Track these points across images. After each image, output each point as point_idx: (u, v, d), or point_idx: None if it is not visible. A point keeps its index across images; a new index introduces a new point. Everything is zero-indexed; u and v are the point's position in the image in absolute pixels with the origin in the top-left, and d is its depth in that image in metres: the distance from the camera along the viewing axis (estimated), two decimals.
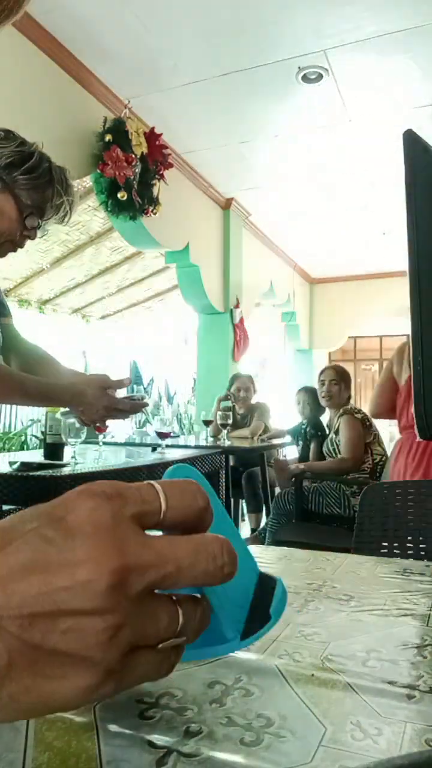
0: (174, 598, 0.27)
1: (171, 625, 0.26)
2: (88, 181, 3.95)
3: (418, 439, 2.74)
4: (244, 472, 4.24)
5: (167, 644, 0.27)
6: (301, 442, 4.14)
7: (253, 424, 4.43)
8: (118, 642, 0.24)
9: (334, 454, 3.21)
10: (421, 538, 1.31)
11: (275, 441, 4.30)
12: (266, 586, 0.36)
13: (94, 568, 0.23)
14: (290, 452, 4.83)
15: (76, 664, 0.23)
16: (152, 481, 0.28)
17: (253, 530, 4.27)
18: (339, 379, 3.32)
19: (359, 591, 0.74)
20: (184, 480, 0.29)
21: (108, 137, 3.21)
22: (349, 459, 3.04)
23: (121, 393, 1.33)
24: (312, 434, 4.03)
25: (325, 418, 4.22)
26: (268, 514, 3.91)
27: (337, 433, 3.20)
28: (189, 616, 0.27)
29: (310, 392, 4.17)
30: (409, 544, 1.32)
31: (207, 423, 4.13)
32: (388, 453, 2.96)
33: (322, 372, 3.45)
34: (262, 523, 4.24)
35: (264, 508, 4.23)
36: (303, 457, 4.00)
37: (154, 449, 3.03)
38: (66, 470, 2.01)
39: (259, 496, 4.21)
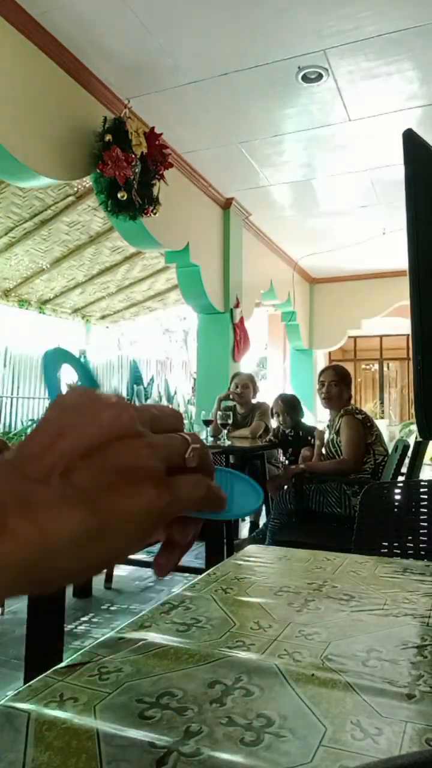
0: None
1: (183, 443, 0.32)
2: (88, 181, 3.95)
3: (418, 438, 2.74)
4: (246, 468, 4.24)
5: (190, 455, 0.32)
6: (290, 449, 4.16)
7: (253, 424, 4.43)
8: (157, 453, 0.29)
9: (335, 455, 3.20)
10: (421, 538, 1.31)
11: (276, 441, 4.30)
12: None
13: (114, 410, 0.29)
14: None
15: (139, 478, 0.28)
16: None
17: (252, 524, 4.27)
18: (339, 379, 3.31)
19: (359, 591, 0.74)
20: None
21: (108, 137, 3.21)
22: (349, 460, 3.04)
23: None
24: (302, 439, 4.06)
25: (324, 418, 4.22)
26: (268, 513, 3.91)
27: (338, 433, 3.19)
28: (195, 440, 0.33)
29: (286, 400, 4.17)
30: (409, 544, 1.32)
31: (207, 423, 4.13)
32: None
33: (322, 372, 3.43)
34: (262, 517, 4.24)
35: (264, 507, 4.23)
36: (292, 463, 4.00)
37: None
38: None
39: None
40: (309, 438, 4.04)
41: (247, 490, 0.40)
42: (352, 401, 3.41)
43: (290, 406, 4.10)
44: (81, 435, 0.28)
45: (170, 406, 0.36)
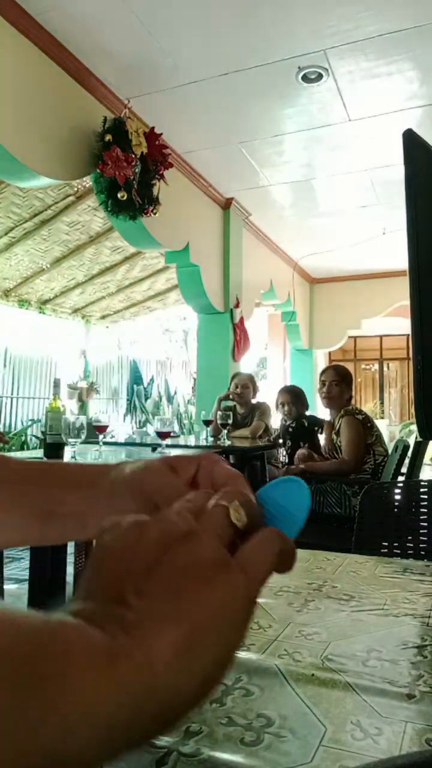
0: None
1: (222, 510, 0.30)
2: (88, 181, 3.95)
3: (418, 438, 2.74)
4: (245, 468, 4.23)
5: (236, 518, 0.30)
6: (289, 443, 4.06)
7: (253, 424, 4.43)
8: (207, 539, 0.28)
9: (335, 455, 3.20)
10: (421, 538, 1.31)
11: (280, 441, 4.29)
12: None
13: (157, 524, 0.28)
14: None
15: (206, 571, 0.27)
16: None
17: None
18: (340, 379, 3.31)
19: (359, 591, 0.74)
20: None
21: (108, 137, 3.21)
22: (349, 460, 3.04)
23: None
24: (307, 431, 3.95)
25: (324, 417, 4.20)
26: None
27: (338, 434, 3.19)
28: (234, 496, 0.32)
29: (291, 391, 4.05)
30: (409, 544, 1.32)
31: (207, 423, 4.13)
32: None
33: (323, 372, 3.43)
34: None
35: None
36: (291, 458, 3.92)
37: (154, 449, 3.03)
38: None
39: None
40: (316, 429, 3.93)
41: (288, 490, 0.38)
42: (353, 401, 3.40)
43: (295, 395, 4.01)
44: (134, 557, 0.27)
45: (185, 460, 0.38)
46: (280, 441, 4.23)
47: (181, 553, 0.27)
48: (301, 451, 3.71)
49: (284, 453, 4.22)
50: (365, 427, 3.11)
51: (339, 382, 3.29)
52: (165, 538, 0.27)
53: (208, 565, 0.27)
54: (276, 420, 4.73)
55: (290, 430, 4.01)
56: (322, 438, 3.88)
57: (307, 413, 4.07)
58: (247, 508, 0.31)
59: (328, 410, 3.54)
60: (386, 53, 3.11)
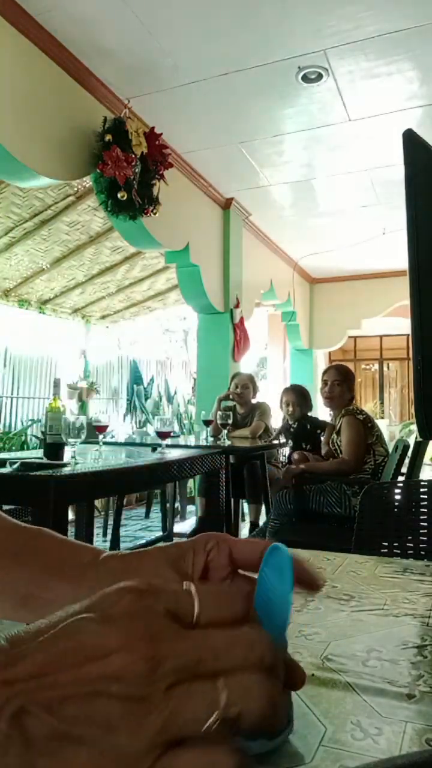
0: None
1: (210, 707, 0.23)
2: (88, 181, 3.95)
3: (418, 438, 2.74)
4: (245, 466, 4.24)
5: (209, 726, 0.23)
6: (291, 443, 4.05)
7: (253, 424, 4.43)
8: (148, 731, 0.22)
9: (335, 455, 3.20)
10: (421, 538, 1.31)
11: (277, 441, 4.29)
12: None
13: (127, 656, 0.23)
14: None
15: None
16: (190, 584, 0.28)
17: (252, 524, 4.26)
18: (342, 379, 3.31)
19: (359, 591, 0.74)
20: (221, 588, 0.29)
21: (108, 137, 3.21)
22: (349, 460, 3.04)
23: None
24: (309, 432, 3.95)
25: (324, 417, 4.19)
26: (267, 513, 3.90)
27: (338, 434, 3.19)
28: (239, 694, 0.24)
29: (296, 390, 4.02)
30: (409, 544, 1.32)
31: (207, 423, 4.13)
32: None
33: (325, 371, 3.42)
34: (262, 516, 4.23)
35: (264, 506, 4.23)
36: (290, 459, 3.90)
37: (154, 449, 3.03)
38: (66, 470, 2.01)
39: (259, 487, 4.20)
40: (318, 432, 3.89)
41: (276, 585, 0.33)
42: (354, 401, 3.40)
43: (301, 396, 3.99)
44: (76, 672, 0.23)
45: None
46: (281, 440, 4.23)
47: (101, 710, 0.22)
48: (295, 455, 3.71)
49: (284, 452, 4.22)
50: (366, 427, 3.11)
51: (341, 382, 3.29)
52: (119, 684, 0.22)
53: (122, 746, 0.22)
54: (276, 420, 4.73)
55: (291, 430, 4.01)
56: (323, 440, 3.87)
57: (310, 414, 4.07)
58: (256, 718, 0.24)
59: (328, 410, 3.54)
60: (386, 53, 3.11)
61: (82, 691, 0.22)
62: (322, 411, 5.14)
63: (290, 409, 3.97)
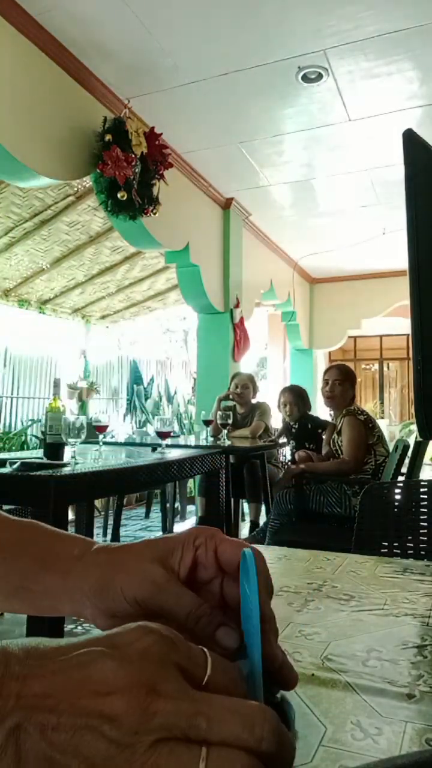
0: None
1: None
2: (88, 181, 3.95)
3: (418, 438, 2.74)
4: (245, 465, 4.24)
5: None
6: (293, 443, 4.05)
7: (253, 424, 4.43)
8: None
9: (336, 455, 3.20)
10: (421, 538, 1.31)
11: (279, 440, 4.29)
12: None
13: (125, 700, 0.24)
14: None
15: None
16: (205, 649, 0.28)
17: (252, 523, 4.26)
18: (343, 378, 3.30)
19: (359, 591, 0.74)
20: (235, 664, 0.30)
21: (108, 137, 3.21)
22: (350, 460, 3.03)
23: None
24: (309, 432, 3.95)
25: (325, 417, 4.19)
26: (267, 512, 3.90)
27: (339, 433, 3.19)
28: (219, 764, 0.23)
29: (294, 390, 4.03)
30: (409, 544, 1.32)
31: (207, 423, 4.13)
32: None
33: (326, 371, 3.42)
34: (262, 515, 4.23)
35: (264, 506, 4.23)
36: (293, 458, 3.91)
37: (154, 449, 3.02)
38: (66, 470, 2.01)
39: (259, 486, 4.20)
40: (319, 431, 3.90)
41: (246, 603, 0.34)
42: (356, 401, 3.40)
43: (298, 396, 3.99)
44: (73, 700, 0.23)
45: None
46: (283, 440, 4.24)
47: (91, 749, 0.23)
48: (300, 453, 3.71)
49: (284, 452, 4.21)
50: (367, 427, 3.11)
51: (342, 382, 3.29)
52: (115, 727, 0.23)
53: None
54: (276, 420, 4.73)
55: (293, 430, 4.01)
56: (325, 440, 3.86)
57: (310, 414, 4.07)
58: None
59: (328, 410, 3.54)
60: (386, 53, 3.11)
61: (77, 723, 0.23)
62: (322, 410, 5.13)
63: (288, 409, 3.98)
